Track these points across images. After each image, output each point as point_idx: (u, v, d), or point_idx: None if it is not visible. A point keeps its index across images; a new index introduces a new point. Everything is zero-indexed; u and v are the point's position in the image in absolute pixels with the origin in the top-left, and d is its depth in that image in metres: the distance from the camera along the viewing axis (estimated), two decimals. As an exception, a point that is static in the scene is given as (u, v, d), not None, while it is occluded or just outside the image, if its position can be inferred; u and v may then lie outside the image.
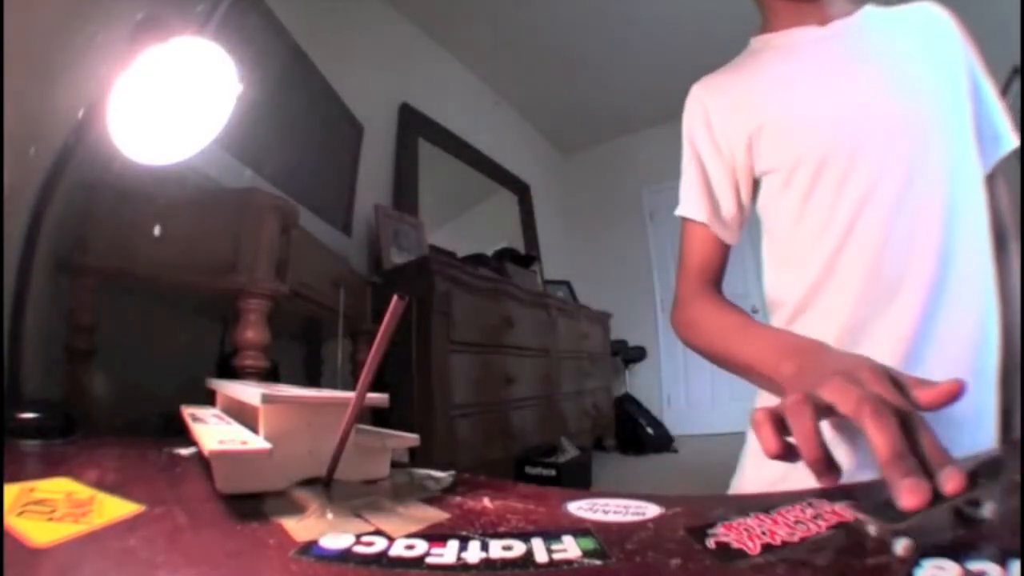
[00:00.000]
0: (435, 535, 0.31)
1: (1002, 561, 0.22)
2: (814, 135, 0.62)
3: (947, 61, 0.63)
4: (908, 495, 0.28)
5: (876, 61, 0.63)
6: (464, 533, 0.32)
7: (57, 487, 0.37)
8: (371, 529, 0.32)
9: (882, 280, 0.59)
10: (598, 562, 0.28)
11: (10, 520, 0.31)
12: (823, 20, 0.67)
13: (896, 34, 0.64)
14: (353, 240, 2.11)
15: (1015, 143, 0.63)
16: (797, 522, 0.31)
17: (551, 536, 0.31)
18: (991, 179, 0.63)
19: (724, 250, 0.72)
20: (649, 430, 3.48)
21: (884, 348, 0.54)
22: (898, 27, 0.65)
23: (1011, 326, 0.60)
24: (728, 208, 0.70)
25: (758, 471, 0.62)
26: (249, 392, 0.45)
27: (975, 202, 0.60)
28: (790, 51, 0.68)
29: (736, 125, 0.68)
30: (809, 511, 0.32)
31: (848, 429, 0.41)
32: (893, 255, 0.58)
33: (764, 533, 0.29)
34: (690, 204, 0.72)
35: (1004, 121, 0.64)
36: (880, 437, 0.31)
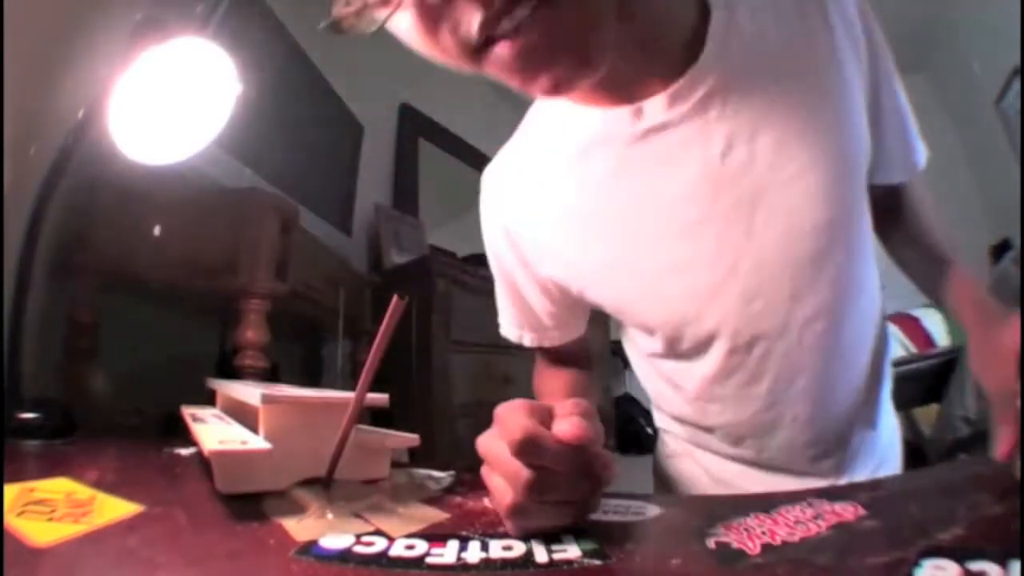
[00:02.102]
0: (435, 535, 0.31)
1: (1002, 561, 0.22)
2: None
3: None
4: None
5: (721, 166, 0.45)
6: (464, 533, 0.32)
7: (57, 487, 0.37)
8: (371, 529, 0.32)
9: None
10: (598, 562, 0.28)
11: (10, 520, 0.31)
12: (633, 96, 0.45)
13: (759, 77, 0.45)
14: (353, 240, 2.10)
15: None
16: (797, 522, 0.31)
17: (551, 536, 0.31)
18: (905, 193, 0.57)
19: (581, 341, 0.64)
20: (649, 430, 3.47)
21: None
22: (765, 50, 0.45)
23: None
24: (557, 315, 0.59)
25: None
26: (249, 392, 0.45)
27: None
28: (585, 158, 0.49)
29: (540, 237, 0.54)
30: (809, 511, 0.32)
31: None
32: None
33: (764, 533, 0.29)
34: (510, 327, 0.64)
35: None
36: None
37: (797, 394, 0.51)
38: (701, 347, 0.52)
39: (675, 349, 0.53)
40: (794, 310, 0.48)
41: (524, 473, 0.29)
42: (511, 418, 0.30)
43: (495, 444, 0.31)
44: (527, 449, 0.29)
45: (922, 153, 0.55)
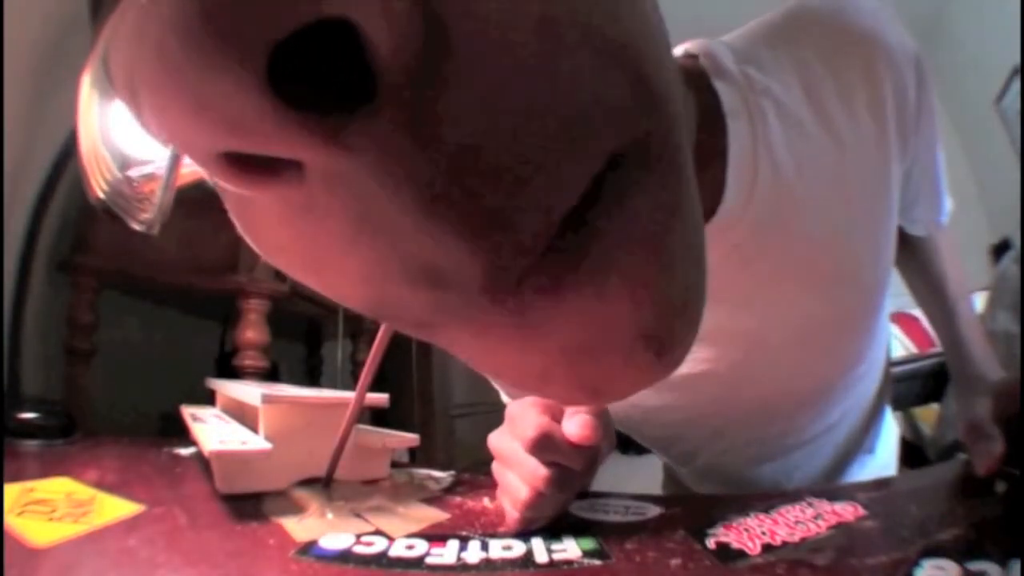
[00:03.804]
0: (435, 535, 0.31)
1: (1002, 561, 0.22)
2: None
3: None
4: None
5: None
6: (464, 533, 0.32)
7: (57, 487, 0.37)
8: (371, 529, 0.32)
9: None
10: (598, 562, 0.28)
11: (10, 520, 0.30)
12: None
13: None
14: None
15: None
16: (797, 522, 0.31)
17: (551, 536, 0.31)
18: (924, 242, 0.53)
19: None
20: (649, 430, 3.48)
21: None
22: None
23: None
24: None
25: None
26: (249, 392, 0.45)
27: None
28: None
29: None
30: (809, 511, 0.32)
31: None
32: None
33: (764, 533, 0.30)
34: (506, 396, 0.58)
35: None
36: None
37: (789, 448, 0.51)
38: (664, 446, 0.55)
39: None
40: (784, 439, 0.49)
41: (542, 471, 0.29)
42: (524, 416, 0.30)
43: (507, 442, 0.31)
44: (542, 446, 0.29)
45: (947, 211, 0.51)
